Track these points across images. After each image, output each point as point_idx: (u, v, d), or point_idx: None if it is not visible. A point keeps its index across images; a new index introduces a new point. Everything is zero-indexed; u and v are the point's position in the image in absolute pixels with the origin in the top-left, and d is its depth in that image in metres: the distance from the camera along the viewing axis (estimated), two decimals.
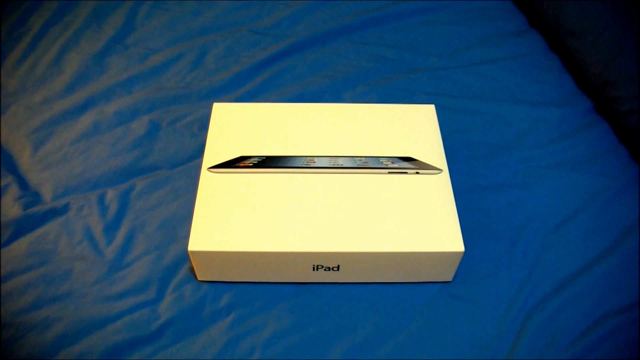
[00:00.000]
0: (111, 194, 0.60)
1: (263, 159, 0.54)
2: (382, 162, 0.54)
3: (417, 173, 0.53)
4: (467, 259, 0.54)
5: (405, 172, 0.53)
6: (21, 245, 0.55)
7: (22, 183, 0.62)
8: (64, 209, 0.58)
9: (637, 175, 0.62)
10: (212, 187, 0.52)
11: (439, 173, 0.54)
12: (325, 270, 0.50)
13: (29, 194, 0.60)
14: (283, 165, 0.53)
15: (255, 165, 0.53)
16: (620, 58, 0.65)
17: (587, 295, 0.52)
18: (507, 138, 0.66)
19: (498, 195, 0.60)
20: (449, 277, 0.52)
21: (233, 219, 0.49)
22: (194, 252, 0.48)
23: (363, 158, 0.55)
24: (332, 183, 0.52)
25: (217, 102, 0.60)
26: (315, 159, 0.54)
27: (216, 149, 0.56)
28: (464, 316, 0.51)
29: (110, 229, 0.57)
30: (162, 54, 0.77)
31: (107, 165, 0.63)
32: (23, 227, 0.57)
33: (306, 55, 0.76)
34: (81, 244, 0.56)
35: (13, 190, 0.60)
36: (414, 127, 0.58)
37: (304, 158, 0.55)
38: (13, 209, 0.58)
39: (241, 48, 0.78)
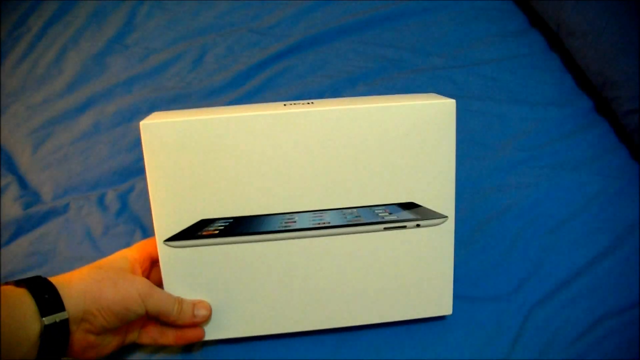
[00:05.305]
0: (111, 194, 0.60)
1: (230, 223, 0.43)
2: (377, 214, 0.44)
3: (418, 226, 0.44)
4: (467, 258, 0.54)
5: (404, 227, 0.44)
6: (21, 245, 0.55)
7: (22, 183, 0.62)
8: (64, 209, 0.58)
9: (637, 175, 0.62)
10: (175, 265, 0.43)
11: (443, 222, 0.45)
12: None
13: (29, 194, 0.60)
14: (256, 231, 0.42)
15: (222, 233, 0.42)
16: (620, 58, 0.65)
17: (587, 295, 0.52)
18: (507, 138, 0.66)
19: (498, 195, 0.60)
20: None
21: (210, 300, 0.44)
22: None
23: (354, 210, 0.44)
24: (315, 247, 0.44)
25: (145, 121, 0.42)
26: (296, 217, 0.43)
27: (165, 202, 0.43)
28: (463, 316, 0.51)
29: (110, 229, 0.57)
30: (162, 54, 0.77)
31: (107, 165, 0.63)
32: (23, 227, 0.57)
33: (306, 55, 0.76)
34: (81, 245, 0.55)
35: (13, 190, 0.60)
36: (422, 140, 0.43)
37: (282, 217, 0.43)
38: (13, 209, 0.58)
39: (241, 48, 0.78)
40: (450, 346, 0.49)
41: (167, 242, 0.43)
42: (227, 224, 0.43)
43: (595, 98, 0.71)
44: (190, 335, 0.44)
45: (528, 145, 0.65)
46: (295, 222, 0.43)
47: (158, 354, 0.48)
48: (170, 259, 0.43)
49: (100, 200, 0.59)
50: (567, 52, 0.75)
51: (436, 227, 0.45)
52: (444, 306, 0.47)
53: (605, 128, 0.67)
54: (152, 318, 0.43)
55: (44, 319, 0.35)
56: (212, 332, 0.45)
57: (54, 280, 0.38)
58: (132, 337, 0.44)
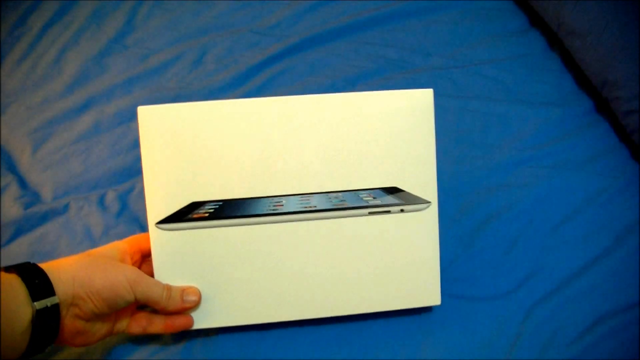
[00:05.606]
0: (111, 195, 0.60)
1: (220, 205, 0.44)
2: (361, 199, 0.45)
3: (402, 211, 0.45)
4: (467, 258, 0.54)
5: (389, 212, 0.45)
6: (21, 245, 0.56)
7: (22, 183, 0.62)
8: (64, 209, 0.58)
9: (637, 175, 0.62)
10: (166, 250, 0.44)
11: (426, 207, 0.46)
12: None
13: (29, 194, 0.60)
14: (245, 214, 0.43)
15: (211, 216, 0.43)
16: (620, 58, 0.65)
17: (587, 295, 0.52)
18: (507, 138, 0.66)
19: (498, 195, 0.60)
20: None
21: (200, 288, 0.45)
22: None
23: (340, 194, 0.45)
24: (302, 232, 0.45)
25: (142, 105, 0.44)
26: (283, 201, 0.44)
27: (158, 186, 0.45)
28: (463, 316, 0.51)
29: (110, 229, 0.57)
30: (162, 54, 0.77)
31: (107, 165, 0.63)
32: (23, 227, 0.57)
33: (306, 55, 0.76)
34: (81, 245, 0.56)
35: (13, 190, 0.60)
36: (402, 127, 0.46)
37: (270, 200, 0.45)
38: (13, 209, 0.58)
39: (241, 48, 0.78)
40: (450, 346, 0.49)
41: (158, 225, 0.44)
42: (216, 206, 0.44)
43: (595, 98, 0.71)
44: (179, 323, 0.45)
45: (528, 145, 0.65)
46: (282, 205, 0.44)
47: (158, 354, 0.48)
48: (162, 243, 0.44)
49: (100, 201, 0.59)
50: (567, 52, 0.75)
51: (420, 213, 0.46)
52: (431, 297, 0.47)
53: (605, 128, 0.67)
54: (142, 305, 0.43)
55: (35, 303, 0.36)
56: (200, 321, 0.45)
57: (43, 266, 0.38)
58: (122, 325, 0.44)
